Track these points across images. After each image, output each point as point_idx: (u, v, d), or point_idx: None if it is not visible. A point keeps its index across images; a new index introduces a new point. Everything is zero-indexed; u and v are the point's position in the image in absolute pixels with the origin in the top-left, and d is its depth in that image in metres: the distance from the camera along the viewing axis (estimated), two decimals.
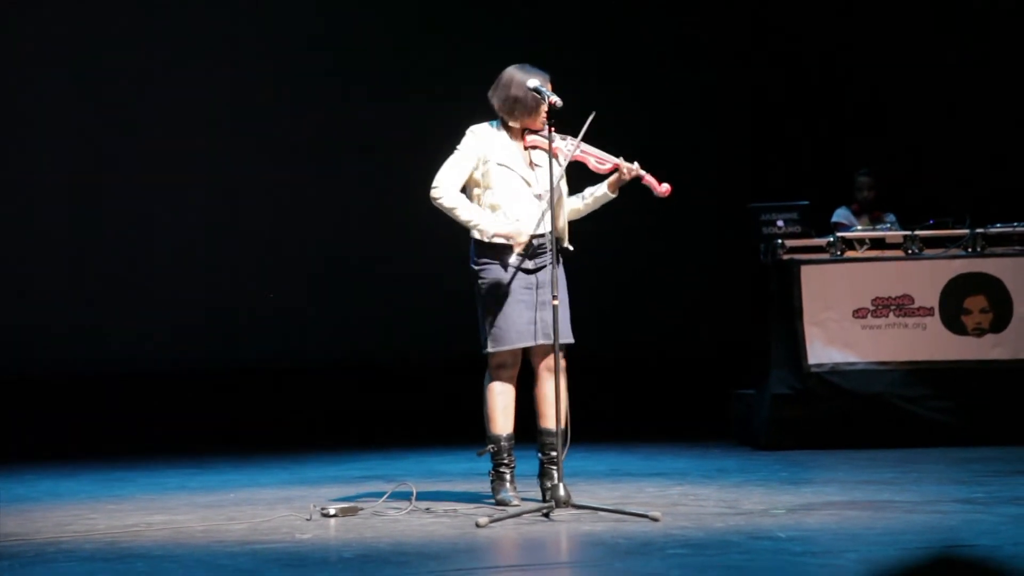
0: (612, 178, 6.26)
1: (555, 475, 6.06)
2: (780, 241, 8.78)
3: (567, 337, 6.12)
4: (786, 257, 8.78)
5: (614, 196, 6.32)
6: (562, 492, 5.75)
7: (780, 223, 8.80)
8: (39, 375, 10.16)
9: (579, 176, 6.31)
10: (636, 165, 6.20)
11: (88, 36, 10.43)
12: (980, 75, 10.67)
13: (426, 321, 10.82)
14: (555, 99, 6.00)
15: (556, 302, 5.91)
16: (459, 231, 6.33)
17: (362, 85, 10.92)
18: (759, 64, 11.42)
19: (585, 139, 6.13)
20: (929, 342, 8.67)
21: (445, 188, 6.15)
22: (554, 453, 6.15)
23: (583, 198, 6.34)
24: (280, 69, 10.80)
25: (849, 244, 8.83)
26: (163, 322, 10.47)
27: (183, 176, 10.56)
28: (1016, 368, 8.62)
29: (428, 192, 6.15)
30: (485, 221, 6.14)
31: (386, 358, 10.87)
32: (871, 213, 9.94)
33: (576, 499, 5.83)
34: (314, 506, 6.05)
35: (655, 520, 5.61)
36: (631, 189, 6.33)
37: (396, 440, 9.82)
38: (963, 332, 8.68)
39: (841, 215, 9.94)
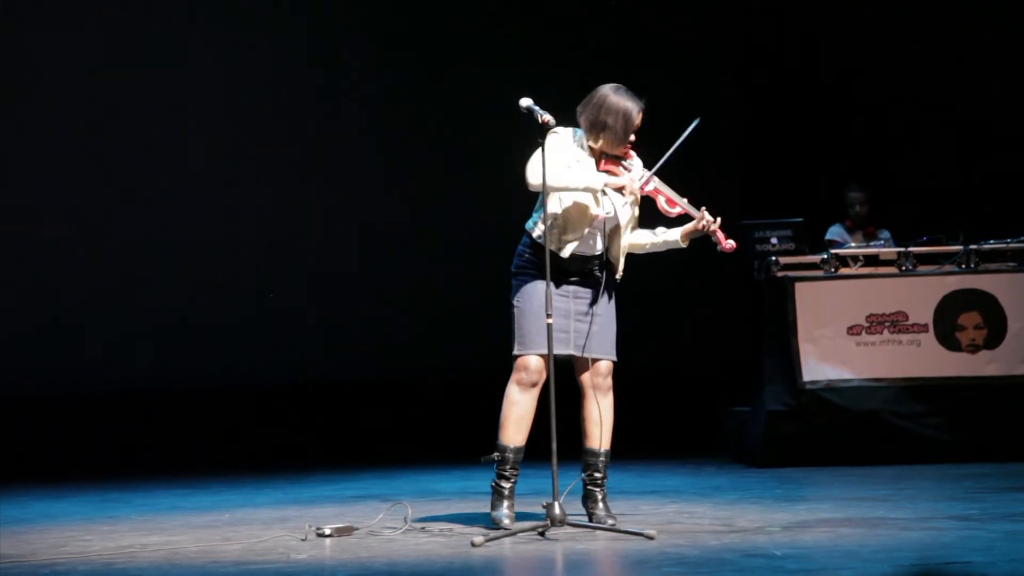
0: (687, 228, 6.12)
1: (598, 497, 6.07)
2: (774, 258, 8.78)
3: (604, 353, 6.10)
4: (780, 274, 8.78)
5: (684, 246, 6.19)
6: (557, 511, 5.73)
7: (774, 240, 8.81)
8: (32, 394, 10.13)
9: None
10: (717, 220, 6.06)
11: (85, 64, 10.43)
12: (975, 88, 10.68)
13: (422, 337, 10.80)
14: (547, 117, 5.89)
15: (549, 320, 5.86)
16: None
17: (362, 90, 10.92)
18: (752, 79, 11.43)
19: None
20: (923, 359, 8.67)
21: (535, 171, 5.87)
22: (597, 475, 6.12)
23: (652, 235, 6.21)
24: (279, 74, 10.78)
25: (843, 261, 8.84)
26: (156, 340, 10.44)
27: (179, 188, 10.57)
28: (1010, 384, 8.62)
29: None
30: (592, 176, 5.92)
31: (381, 375, 10.85)
32: (865, 229, 9.94)
33: (571, 517, 5.83)
34: (309, 526, 6.04)
35: (650, 538, 5.61)
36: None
37: (391, 459, 9.81)
38: (957, 348, 8.69)
39: (835, 232, 9.93)
